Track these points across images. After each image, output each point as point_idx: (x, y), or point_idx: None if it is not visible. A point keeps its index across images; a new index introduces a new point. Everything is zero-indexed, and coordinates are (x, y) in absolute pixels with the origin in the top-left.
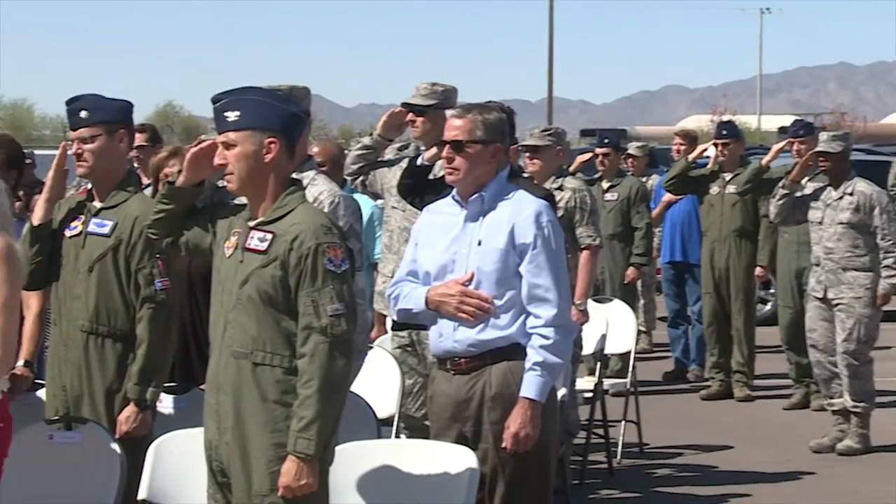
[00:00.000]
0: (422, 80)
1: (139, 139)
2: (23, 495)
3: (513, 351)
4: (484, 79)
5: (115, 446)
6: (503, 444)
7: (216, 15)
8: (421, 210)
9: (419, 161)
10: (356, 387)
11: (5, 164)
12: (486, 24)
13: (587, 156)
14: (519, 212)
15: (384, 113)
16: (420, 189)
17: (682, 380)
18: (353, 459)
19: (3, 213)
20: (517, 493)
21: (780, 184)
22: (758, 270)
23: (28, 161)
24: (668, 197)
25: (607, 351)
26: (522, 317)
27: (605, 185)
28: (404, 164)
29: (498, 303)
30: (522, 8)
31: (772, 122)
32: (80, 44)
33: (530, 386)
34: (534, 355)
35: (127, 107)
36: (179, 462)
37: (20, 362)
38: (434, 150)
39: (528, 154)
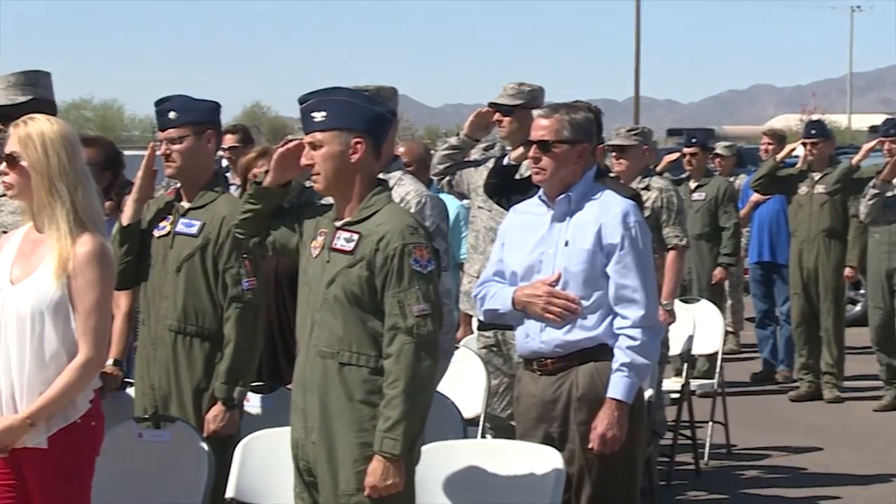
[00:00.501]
0: (508, 80)
1: (232, 140)
2: (113, 493)
3: (600, 352)
4: (570, 78)
5: (203, 445)
6: (590, 446)
7: (304, 16)
8: (507, 210)
9: (505, 161)
10: (442, 387)
11: (101, 165)
12: (572, 24)
13: (674, 155)
14: (606, 212)
15: (471, 113)
16: (506, 189)
17: (770, 381)
18: (439, 459)
19: (97, 213)
20: (604, 494)
21: (871, 183)
22: (847, 271)
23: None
24: (755, 197)
25: (694, 352)
26: (609, 317)
27: (692, 184)
28: (490, 164)
29: (585, 303)
30: (609, 7)
31: (862, 121)
32: (169, 45)
33: (617, 387)
34: (621, 356)
35: (215, 107)
36: (266, 461)
37: (110, 361)
38: (520, 150)
39: (614, 154)
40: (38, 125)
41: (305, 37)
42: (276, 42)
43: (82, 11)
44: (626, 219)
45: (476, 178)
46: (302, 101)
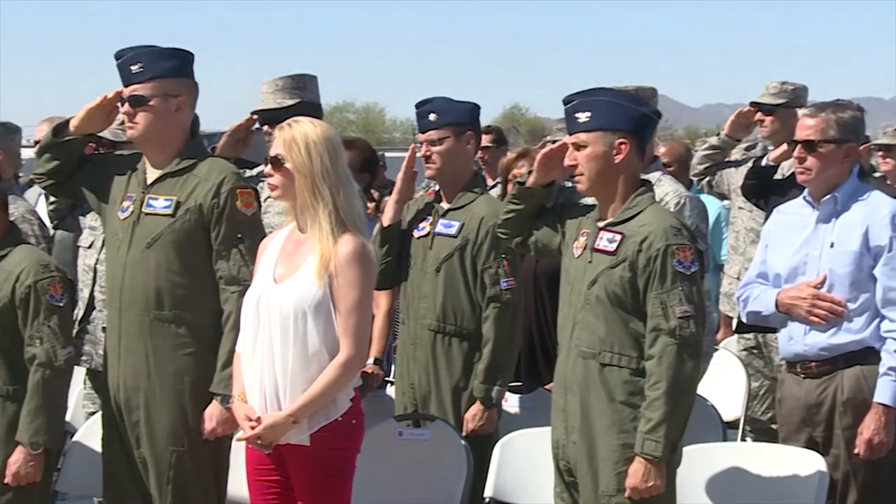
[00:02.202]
0: (770, 78)
1: (485, 140)
2: (374, 490)
3: (866, 355)
4: (833, 76)
5: (462, 444)
6: (856, 451)
7: (562, 16)
8: (764, 211)
9: (763, 161)
10: (702, 389)
11: (359, 167)
12: (834, 21)
13: None
14: (874, 213)
15: (732, 112)
16: (764, 190)
17: None
18: (699, 462)
19: (358, 214)
20: (870, 500)
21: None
22: None
23: (380, 163)
24: None
25: None
26: (876, 320)
27: None
28: (751, 164)
29: (851, 306)
30: (871, 3)
31: None
32: (429, 48)
33: (885, 391)
34: (889, 360)
35: (474, 109)
36: (525, 460)
37: (370, 360)
38: (780, 150)
39: (880, 153)
40: (302, 128)
41: (564, 38)
42: (534, 43)
43: (346, 15)
44: (895, 220)
45: (737, 178)
46: (566, 101)
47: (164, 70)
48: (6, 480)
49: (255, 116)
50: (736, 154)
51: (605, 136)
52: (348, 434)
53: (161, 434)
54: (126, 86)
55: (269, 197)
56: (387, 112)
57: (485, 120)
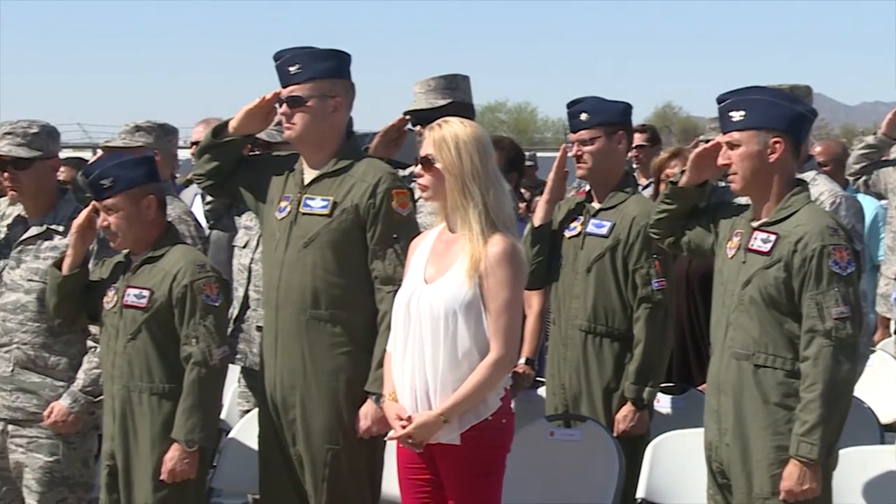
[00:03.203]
0: None
1: (639, 139)
2: (524, 490)
3: None
4: None
5: (614, 444)
6: None
7: (716, 15)
8: None
9: None
10: (858, 391)
11: (505, 167)
12: None
13: None
14: None
15: (889, 111)
16: None
17: None
18: (855, 465)
19: (508, 214)
20: None
21: None
22: None
23: (530, 163)
24: None
25: None
26: None
27: None
28: None
29: None
30: None
31: None
32: (580, 47)
33: None
34: None
35: (626, 109)
36: (677, 462)
37: (521, 360)
38: None
39: None
40: (452, 128)
41: (718, 36)
42: (688, 42)
43: (498, 15)
44: None
45: (894, 177)
46: (720, 100)
47: (322, 71)
48: (162, 477)
49: (408, 117)
50: (894, 153)
51: (760, 135)
52: (498, 434)
53: (317, 432)
54: (284, 87)
55: (419, 197)
56: (538, 112)
57: (637, 119)
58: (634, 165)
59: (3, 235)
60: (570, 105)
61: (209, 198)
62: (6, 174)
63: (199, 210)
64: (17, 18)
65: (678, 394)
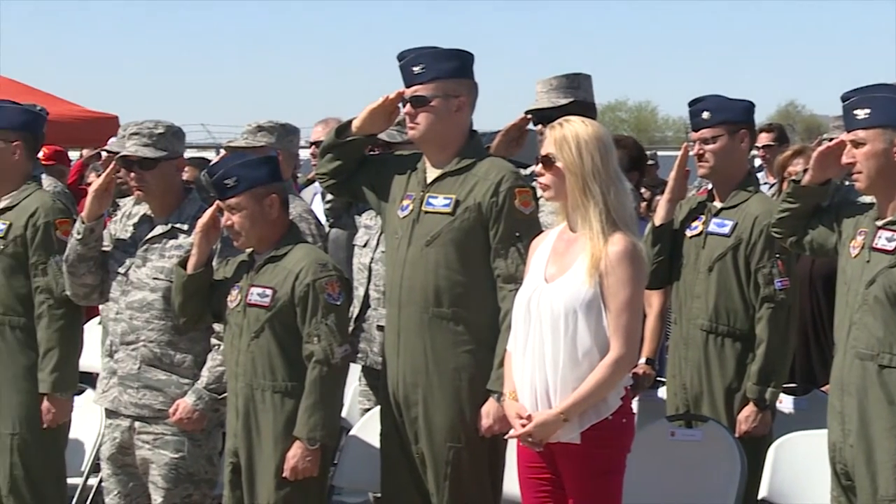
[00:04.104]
0: None
1: (767, 138)
2: (645, 490)
3: None
4: None
5: (736, 445)
6: None
7: (839, 12)
8: None
9: None
10: None
11: (627, 165)
12: None
13: None
14: None
15: None
16: None
17: None
18: None
19: (629, 213)
20: None
21: None
22: None
23: (651, 162)
24: None
25: None
26: None
27: None
28: None
29: None
30: None
31: None
32: (701, 45)
33: None
34: None
35: (749, 107)
36: (800, 463)
37: (642, 360)
38: None
39: None
40: (573, 127)
41: (843, 33)
42: (811, 39)
43: (618, 13)
44: None
45: None
46: (845, 98)
47: (446, 71)
48: (284, 475)
49: (530, 116)
50: None
51: (885, 134)
52: (619, 433)
53: (439, 430)
54: (408, 86)
55: (540, 196)
56: (659, 110)
57: (760, 118)
58: (759, 164)
59: (129, 234)
60: (692, 103)
61: (329, 196)
62: (132, 174)
63: (318, 209)
64: (145, 21)
65: (801, 394)
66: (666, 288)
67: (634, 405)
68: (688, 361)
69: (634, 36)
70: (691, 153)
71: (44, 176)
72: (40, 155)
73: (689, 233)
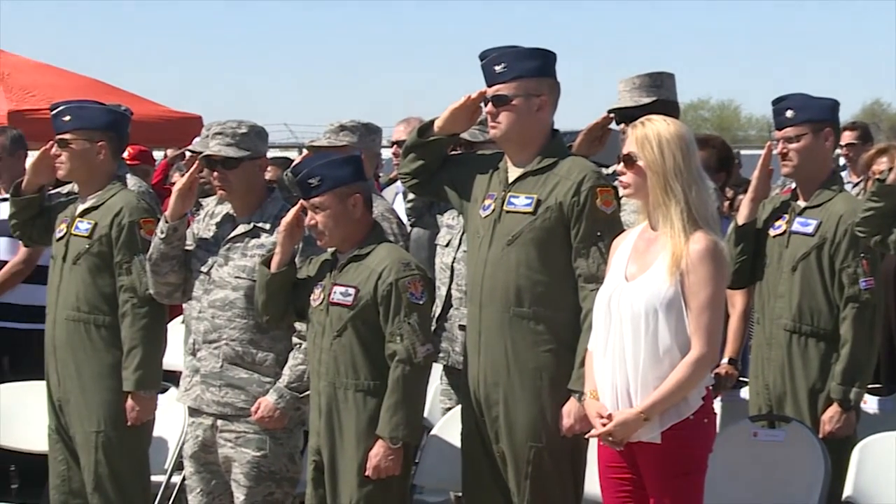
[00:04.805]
0: None
1: (850, 137)
2: (727, 490)
3: None
4: None
5: (820, 446)
6: None
7: None
8: None
9: None
10: None
11: (715, 165)
12: None
13: None
14: None
15: None
16: None
17: None
18: None
19: (710, 212)
20: None
21: None
22: None
23: (735, 161)
24: None
25: None
26: None
27: None
28: None
29: None
30: None
31: None
32: (784, 43)
33: None
34: None
35: (834, 105)
36: (886, 464)
37: (724, 360)
38: None
39: None
40: (655, 126)
41: None
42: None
43: (702, 12)
44: None
45: None
46: None
47: (528, 70)
48: (367, 473)
49: (612, 115)
50: None
51: None
52: (700, 433)
53: (520, 429)
54: (489, 85)
55: (622, 195)
56: (742, 109)
57: (844, 116)
58: (843, 162)
59: (211, 234)
60: (776, 102)
61: (410, 196)
62: (215, 173)
63: (400, 208)
64: (228, 21)
65: (886, 395)
66: (749, 288)
67: (717, 405)
68: (771, 361)
69: (718, 34)
70: (775, 152)
71: (128, 176)
72: (125, 155)
73: (772, 232)
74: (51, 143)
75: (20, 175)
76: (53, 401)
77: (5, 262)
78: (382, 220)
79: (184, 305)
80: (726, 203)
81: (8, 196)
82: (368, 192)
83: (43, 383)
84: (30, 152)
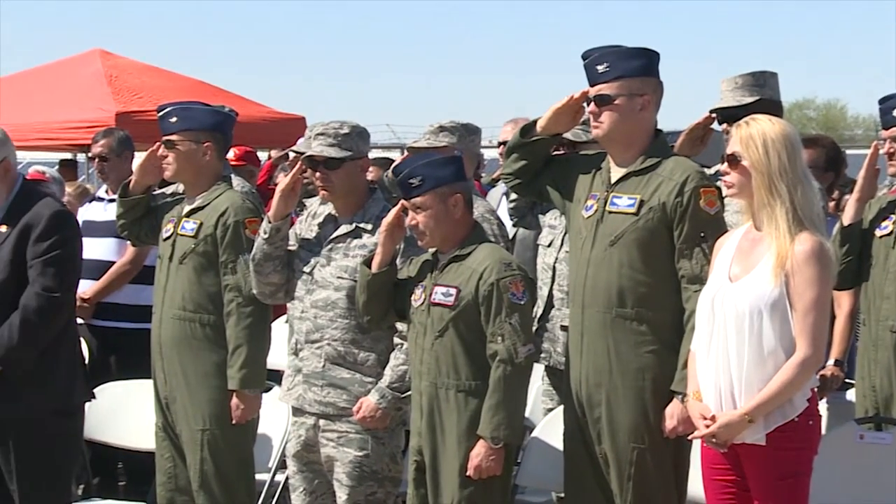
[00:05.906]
0: None
1: None
2: (832, 493)
3: None
4: None
5: None
6: None
7: None
8: None
9: None
10: None
11: (823, 165)
12: None
13: None
14: None
15: None
16: None
17: None
18: None
19: (816, 213)
20: None
21: None
22: None
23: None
24: None
25: None
26: None
27: None
28: None
29: None
30: None
31: None
32: (892, 41)
33: None
34: None
35: None
36: None
37: (830, 361)
38: None
39: None
40: (760, 126)
41: None
42: None
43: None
44: None
45: None
46: None
47: (631, 69)
48: (468, 473)
49: (714, 115)
50: None
51: None
52: (805, 435)
53: (622, 430)
54: (592, 85)
55: (725, 195)
56: (848, 108)
57: None
58: None
59: (314, 234)
60: (883, 101)
61: (513, 196)
62: (318, 174)
63: (503, 210)
64: (332, 23)
65: None
66: (855, 289)
67: (822, 407)
68: (877, 363)
69: (822, 32)
70: (881, 152)
71: (233, 176)
72: (230, 156)
73: (878, 232)
74: (158, 144)
75: (127, 176)
76: (160, 399)
77: (113, 263)
78: (483, 220)
79: (287, 305)
80: (832, 203)
81: (115, 197)
82: (469, 192)
83: (149, 382)
84: (137, 153)
